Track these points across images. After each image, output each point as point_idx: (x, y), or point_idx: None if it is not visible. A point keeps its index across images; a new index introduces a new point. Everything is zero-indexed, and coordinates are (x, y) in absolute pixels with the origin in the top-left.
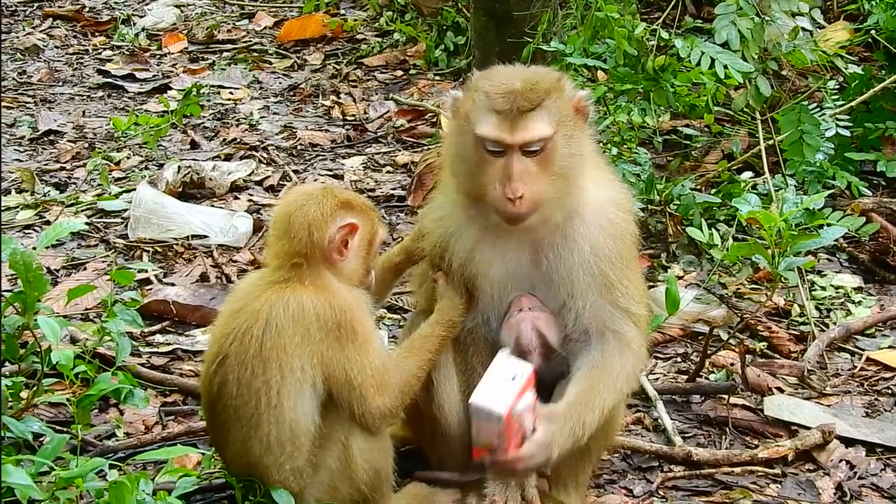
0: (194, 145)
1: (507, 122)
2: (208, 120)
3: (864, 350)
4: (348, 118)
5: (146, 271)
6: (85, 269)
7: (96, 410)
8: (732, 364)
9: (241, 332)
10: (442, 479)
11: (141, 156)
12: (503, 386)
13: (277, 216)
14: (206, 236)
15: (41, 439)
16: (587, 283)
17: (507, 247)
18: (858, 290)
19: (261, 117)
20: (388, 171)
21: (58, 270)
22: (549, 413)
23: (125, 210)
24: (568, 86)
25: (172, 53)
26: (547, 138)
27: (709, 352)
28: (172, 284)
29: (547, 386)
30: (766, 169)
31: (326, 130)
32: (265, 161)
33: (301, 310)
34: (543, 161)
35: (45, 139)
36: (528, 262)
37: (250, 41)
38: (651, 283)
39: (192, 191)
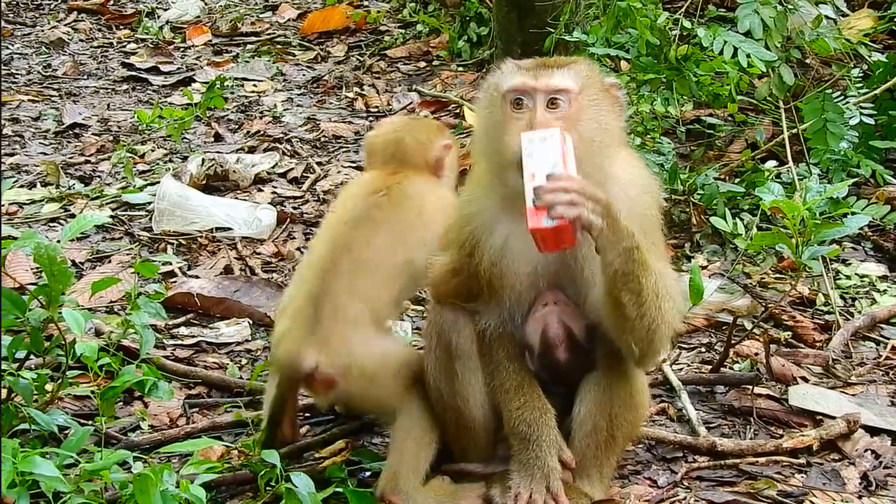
0: (218, 138)
1: (532, 72)
2: (232, 112)
3: (889, 339)
4: (371, 110)
5: (170, 264)
6: (109, 261)
7: (121, 403)
8: (757, 354)
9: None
10: (467, 471)
11: (165, 148)
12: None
13: (383, 142)
14: (230, 229)
15: (66, 432)
16: None
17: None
18: (883, 278)
19: (284, 109)
20: None
21: (82, 263)
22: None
23: (149, 203)
24: (598, 70)
25: (196, 46)
26: (571, 91)
27: (733, 341)
28: (196, 277)
29: (573, 380)
30: (789, 158)
31: (350, 122)
32: (289, 153)
33: (422, 194)
34: (567, 119)
35: (70, 132)
36: (555, 255)
37: (274, 33)
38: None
39: (216, 183)
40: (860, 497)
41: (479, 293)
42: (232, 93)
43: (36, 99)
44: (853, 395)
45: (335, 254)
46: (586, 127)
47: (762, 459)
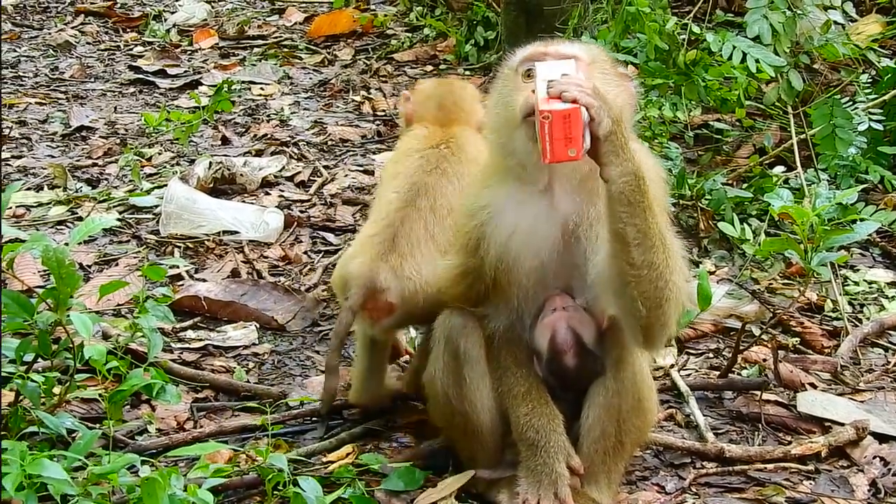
0: (225, 141)
1: (543, 43)
2: (239, 116)
3: None
4: (378, 113)
5: (177, 267)
6: (117, 265)
7: (128, 406)
8: (765, 360)
9: (453, 139)
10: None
11: (172, 152)
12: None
13: (437, 96)
14: (237, 232)
15: (74, 435)
16: None
17: (541, 229)
18: (892, 284)
19: (291, 113)
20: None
21: (90, 266)
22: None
23: (157, 206)
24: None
25: (203, 49)
26: (581, 59)
27: (741, 347)
28: (204, 280)
29: (581, 386)
30: (798, 163)
31: (357, 126)
32: (296, 157)
33: (476, 146)
34: None
35: (77, 135)
36: (563, 244)
37: (281, 37)
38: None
39: (223, 186)
40: None
41: (486, 295)
42: (239, 96)
43: (43, 102)
44: (862, 401)
45: (414, 194)
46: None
47: (770, 466)
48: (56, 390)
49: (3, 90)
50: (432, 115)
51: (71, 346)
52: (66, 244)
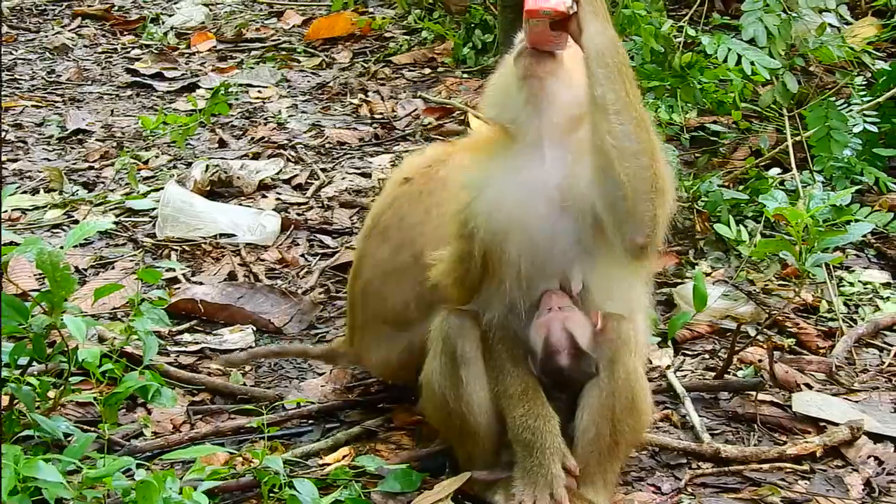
0: (222, 144)
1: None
2: (236, 118)
3: (892, 346)
4: (376, 116)
5: (174, 270)
6: (113, 268)
7: (124, 410)
8: (760, 360)
9: (430, 163)
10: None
11: (169, 154)
12: None
13: None
14: (233, 235)
15: (69, 438)
16: None
17: (531, 198)
18: (886, 285)
19: (289, 116)
20: None
21: (86, 269)
22: None
23: (153, 209)
24: None
25: (201, 52)
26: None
27: (737, 348)
28: (200, 283)
29: (576, 386)
30: (793, 165)
31: (354, 129)
32: (293, 159)
33: None
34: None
35: (74, 138)
36: (552, 214)
37: (279, 40)
38: (679, 280)
39: (220, 189)
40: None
41: (480, 281)
42: (236, 99)
43: (40, 104)
44: (857, 401)
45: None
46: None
47: (766, 466)
48: (51, 394)
49: (0, 93)
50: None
51: (66, 349)
52: (62, 247)
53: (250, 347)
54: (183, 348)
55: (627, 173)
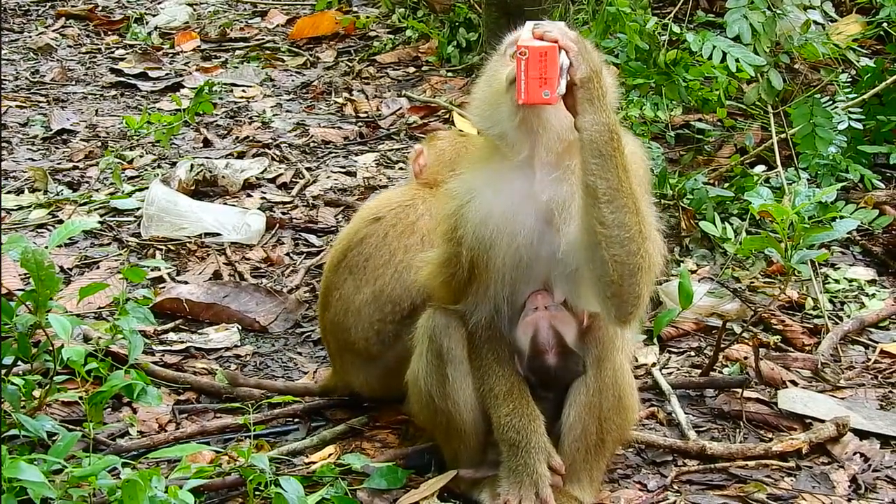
0: (207, 143)
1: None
2: (221, 118)
3: (877, 343)
4: (361, 115)
5: (159, 269)
6: (98, 267)
7: (109, 409)
8: (746, 358)
9: (401, 205)
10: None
11: (154, 154)
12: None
13: (453, 157)
14: (218, 234)
15: (54, 438)
16: None
17: (518, 214)
18: (872, 282)
19: (273, 115)
20: (401, 168)
21: (71, 269)
22: None
23: (138, 208)
24: None
25: (185, 52)
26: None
27: (722, 345)
28: (185, 282)
29: (563, 385)
30: (778, 162)
31: (339, 127)
32: (278, 158)
33: None
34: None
35: (58, 138)
36: (539, 229)
37: (263, 39)
38: (665, 278)
39: (204, 189)
40: (849, 500)
41: (466, 284)
42: (221, 98)
43: (24, 105)
44: (842, 398)
45: (320, 310)
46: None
47: (752, 463)
48: (36, 393)
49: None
50: (442, 176)
51: (51, 348)
52: (47, 247)
53: (235, 346)
54: (168, 347)
55: (616, 259)
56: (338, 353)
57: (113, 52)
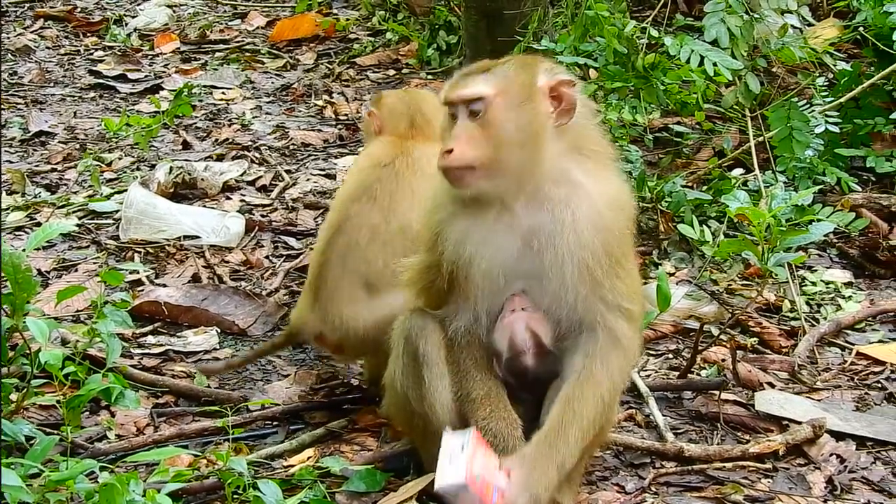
0: (186, 146)
1: (454, 81)
2: (200, 120)
3: (854, 345)
4: (341, 118)
5: (137, 272)
6: (76, 270)
7: (87, 413)
8: (723, 360)
9: (394, 154)
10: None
11: (132, 156)
12: (455, 460)
13: (405, 110)
14: (197, 237)
15: (31, 441)
16: (576, 276)
17: (497, 233)
18: (848, 285)
19: (253, 117)
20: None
21: (48, 272)
22: (521, 456)
23: (116, 211)
24: (545, 69)
25: (164, 54)
26: (485, 97)
27: (700, 348)
28: (164, 285)
29: (542, 386)
30: (756, 165)
31: (319, 130)
32: (257, 161)
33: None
34: (485, 125)
35: (36, 140)
36: (518, 251)
37: (242, 41)
38: (643, 280)
39: (183, 191)
40: (825, 501)
41: (447, 292)
42: (200, 100)
43: (1, 106)
44: (819, 400)
45: (335, 231)
46: (504, 129)
47: (729, 465)
48: (13, 397)
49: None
50: (400, 130)
51: (28, 351)
52: (24, 250)
53: (214, 349)
54: (147, 350)
55: None
56: (336, 287)
57: (92, 54)
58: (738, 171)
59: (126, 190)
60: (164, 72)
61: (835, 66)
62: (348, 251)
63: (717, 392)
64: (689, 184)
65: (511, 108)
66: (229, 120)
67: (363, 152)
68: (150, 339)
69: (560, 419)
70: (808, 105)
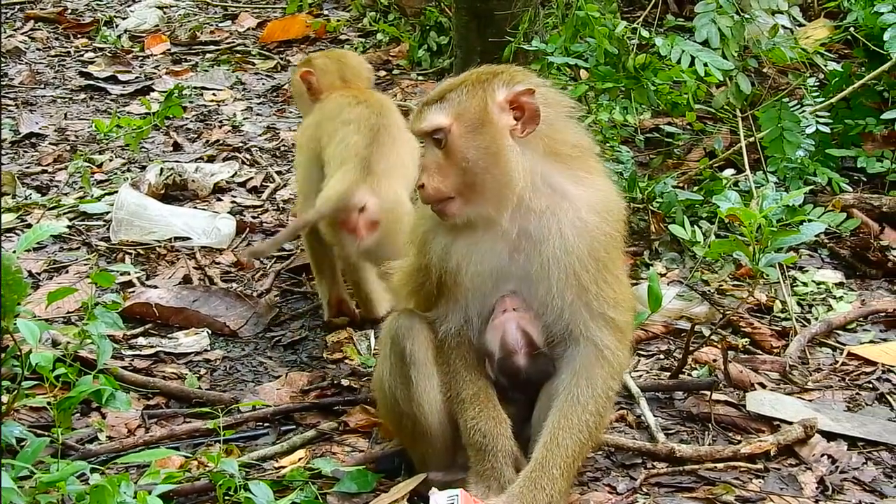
0: (177, 147)
1: (416, 112)
2: (191, 121)
3: (845, 345)
4: None
5: (128, 274)
6: (67, 272)
7: (78, 414)
8: (715, 360)
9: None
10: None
11: (123, 158)
12: None
13: (336, 64)
14: (188, 238)
15: (22, 443)
16: (563, 282)
17: (484, 242)
18: (839, 285)
19: (244, 118)
20: None
21: (39, 274)
22: (510, 496)
23: (107, 213)
24: (503, 82)
25: (155, 55)
26: (442, 128)
27: (691, 348)
28: (155, 287)
29: (534, 386)
30: (747, 166)
31: None
32: (248, 162)
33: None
34: (448, 154)
35: (27, 142)
36: (506, 256)
37: (233, 42)
38: (634, 281)
39: (174, 193)
40: (817, 501)
41: (436, 294)
42: (191, 102)
43: (0, 107)
44: (810, 400)
45: (374, 132)
46: (466, 155)
47: (720, 465)
48: (4, 399)
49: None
50: (336, 86)
51: (19, 353)
52: (15, 251)
53: (205, 351)
54: (137, 352)
55: None
56: (386, 168)
57: (82, 56)
58: (729, 172)
59: (117, 191)
60: (154, 73)
61: (825, 66)
62: (396, 148)
63: (708, 392)
64: (681, 184)
65: (468, 134)
66: (220, 121)
67: (328, 102)
68: (141, 340)
69: (543, 457)
70: (799, 105)
